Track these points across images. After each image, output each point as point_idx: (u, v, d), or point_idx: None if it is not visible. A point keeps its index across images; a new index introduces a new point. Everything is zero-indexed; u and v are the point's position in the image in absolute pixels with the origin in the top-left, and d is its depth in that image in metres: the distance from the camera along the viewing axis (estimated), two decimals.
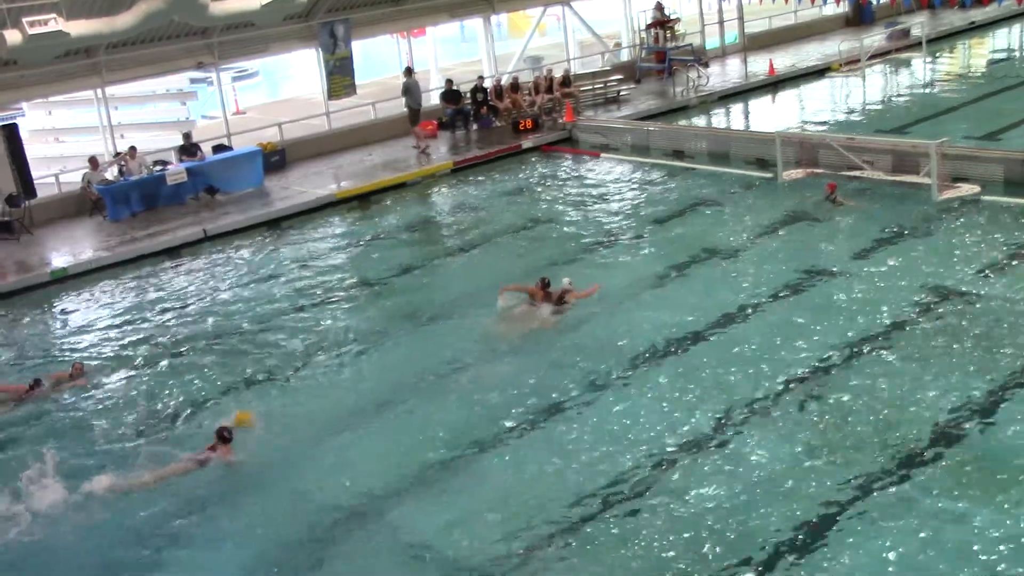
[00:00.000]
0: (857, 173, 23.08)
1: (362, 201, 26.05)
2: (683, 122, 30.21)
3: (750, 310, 16.34)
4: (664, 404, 13.47)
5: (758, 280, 17.49)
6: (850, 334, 15.02)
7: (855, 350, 14.51)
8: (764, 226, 20.62)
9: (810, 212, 21.18)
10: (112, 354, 17.73)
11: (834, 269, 17.67)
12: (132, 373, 16.72)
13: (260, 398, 14.92)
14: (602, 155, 28.31)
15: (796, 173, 24.12)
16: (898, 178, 22.42)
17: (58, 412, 15.32)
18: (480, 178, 27.42)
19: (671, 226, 21.40)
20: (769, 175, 24.24)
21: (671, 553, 10.53)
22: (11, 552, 11.55)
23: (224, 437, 13.13)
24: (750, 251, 19.18)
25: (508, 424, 13.38)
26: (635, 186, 25.07)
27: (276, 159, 28.94)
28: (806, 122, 29.06)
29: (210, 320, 18.73)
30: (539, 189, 25.77)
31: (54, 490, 12.43)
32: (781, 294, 16.89)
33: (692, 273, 18.28)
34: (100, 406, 15.35)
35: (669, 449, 12.32)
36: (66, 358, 17.53)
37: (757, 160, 25.60)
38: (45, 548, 11.55)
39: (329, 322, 17.93)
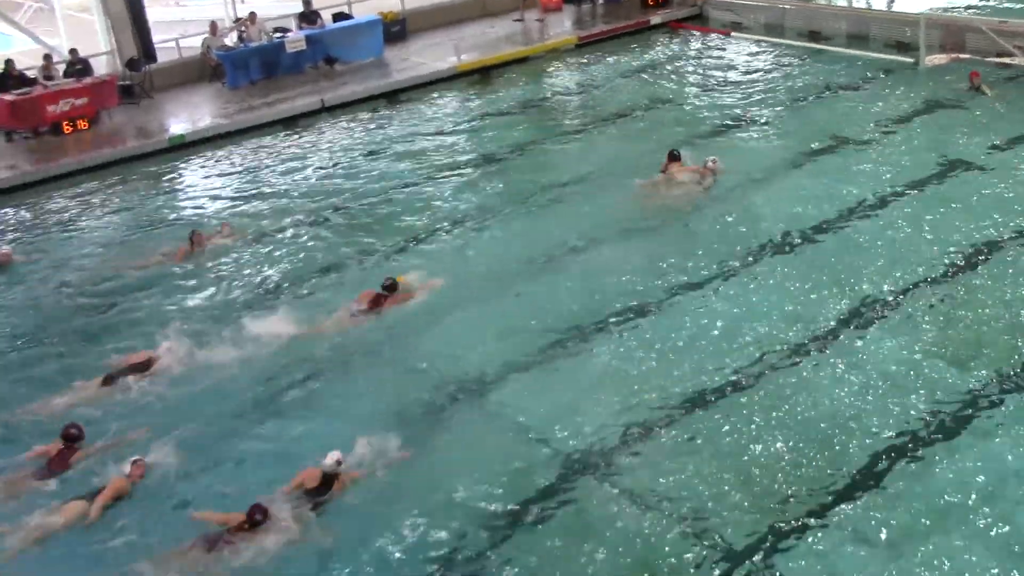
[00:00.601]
0: (1007, 60, 22.35)
1: (483, 75, 25.86)
2: (821, 1, 29.31)
3: (883, 202, 16.08)
4: (786, 296, 13.37)
5: (892, 171, 17.17)
6: (986, 232, 14.72)
7: (991, 249, 14.26)
8: (901, 114, 20.18)
9: (952, 101, 20.61)
10: (232, 221, 18.05)
11: (974, 162, 17.22)
12: (253, 241, 17.17)
13: (375, 273, 15.14)
14: (733, 34, 27.74)
15: (940, 58, 23.41)
16: None
17: (207, 269, 16.10)
18: (605, 54, 27.07)
19: (803, 111, 20.98)
20: (910, 60, 23.63)
21: (783, 455, 10.50)
22: (156, 395, 12.49)
23: (387, 288, 13.83)
24: (885, 140, 18.79)
25: (620, 309, 13.38)
26: (767, 68, 24.57)
27: (396, 29, 28.74)
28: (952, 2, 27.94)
29: (326, 192, 18.86)
30: (666, 68, 25.42)
31: (198, 340, 13.36)
32: (916, 187, 16.56)
33: (823, 161, 17.96)
34: (236, 267, 16.15)
35: (786, 344, 12.24)
36: (187, 224, 17.86)
37: (898, 44, 24.84)
38: (184, 391, 12.41)
39: (445, 198, 17.96)
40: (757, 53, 25.90)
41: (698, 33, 28.33)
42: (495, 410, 11.43)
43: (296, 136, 22.79)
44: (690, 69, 25.12)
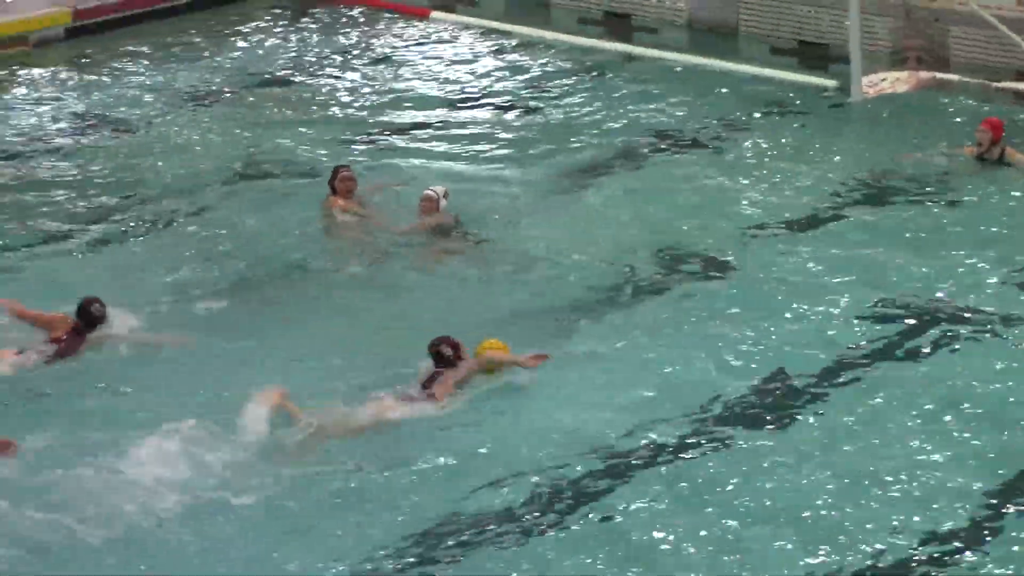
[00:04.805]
0: None
1: None
2: None
3: (755, 418, 13.33)
4: None
5: (785, 342, 14.73)
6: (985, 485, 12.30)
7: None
8: (809, 207, 18.09)
9: (924, 180, 18.20)
10: None
11: (967, 328, 14.73)
12: None
13: None
14: (433, 15, 25.40)
15: (893, 82, 21.16)
16: None
17: None
18: (138, 51, 23.87)
19: (590, 198, 18.61)
20: (830, 83, 21.35)
21: None
22: None
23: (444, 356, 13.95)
24: (767, 269, 16.43)
25: None
26: (505, 89, 22.06)
27: None
28: None
29: None
30: (283, 88, 22.71)
31: None
32: (827, 382, 14.02)
33: (638, 320, 15.50)
34: None
35: None
36: None
37: (802, 47, 22.76)
38: None
39: None
40: (479, 52, 23.67)
41: (353, 7, 26.21)
42: None
43: None
44: (335, 88, 22.34)
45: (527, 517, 12.03)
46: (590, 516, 12.16)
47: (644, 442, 12.90)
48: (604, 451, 13.04)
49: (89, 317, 14.15)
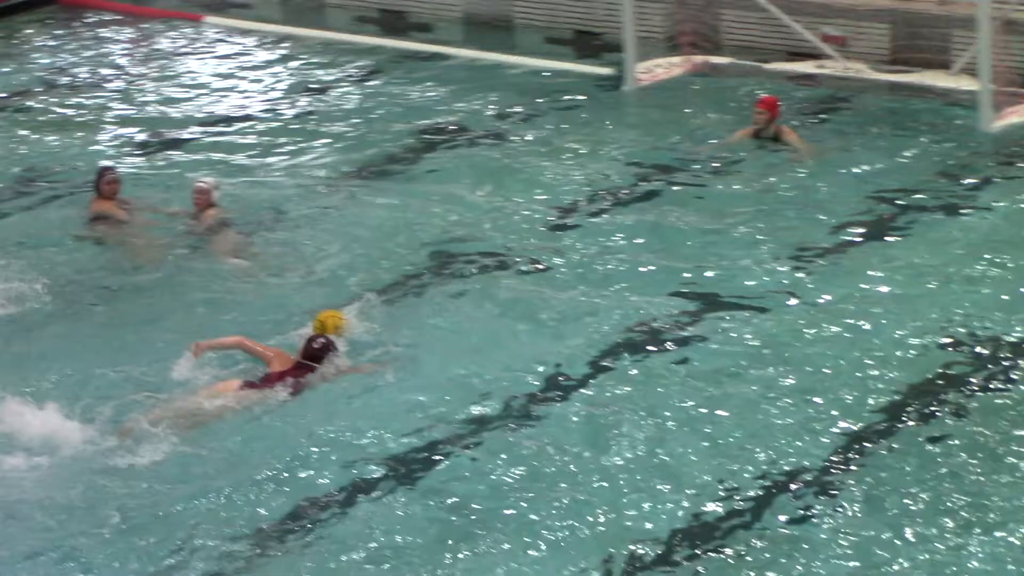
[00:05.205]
0: (810, 68, 20.86)
1: None
2: None
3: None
4: None
5: (582, 321, 14.75)
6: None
7: None
8: (591, 196, 17.76)
9: (703, 161, 18.23)
10: None
11: (757, 315, 14.51)
12: None
13: None
14: (207, 18, 25.39)
15: (668, 68, 21.29)
16: (903, 79, 20.65)
17: None
18: None
19: (374, 195, 18.30)
20: (605, 71, 21.50)
21: None
22: None
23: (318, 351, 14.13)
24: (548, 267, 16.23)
25: None
26: (281, 90, 21.94)
27: None
28: None
29: None
30: (57, 96, 22.01)
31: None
32: (619, 356, 13.94)
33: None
34: None
35: None
36: None
37: (578, 36, 23.08)
38: None
39: None
40: (256, 58, 23.38)
41: (123, 15, 25.90)
42: None
43: None
44: (99, 102, 21.78)
45: (378, 495, 11.83)
46: (433, 488, 11.99)
47: (475, 417, 12.90)
48: (439, 429, 12.93)
49: None
